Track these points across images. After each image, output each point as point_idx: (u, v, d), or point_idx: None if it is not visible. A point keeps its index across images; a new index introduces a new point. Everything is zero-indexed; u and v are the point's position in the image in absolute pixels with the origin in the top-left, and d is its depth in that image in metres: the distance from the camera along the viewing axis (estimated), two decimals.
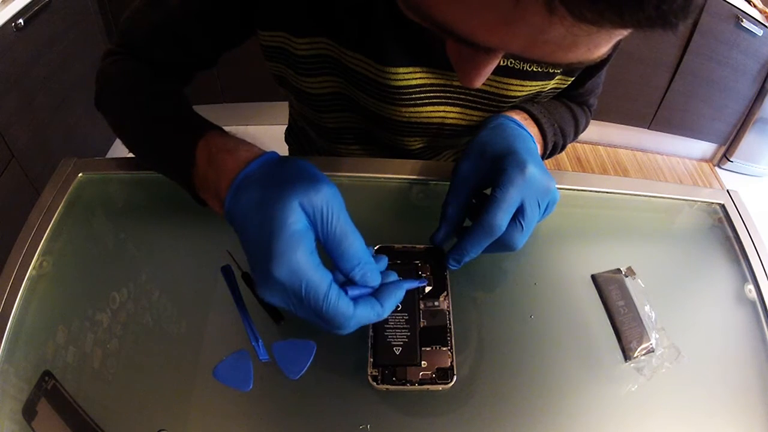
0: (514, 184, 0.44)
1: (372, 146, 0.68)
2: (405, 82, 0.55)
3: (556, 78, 0.58)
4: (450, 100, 0.58)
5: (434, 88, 0.56)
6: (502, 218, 0.44)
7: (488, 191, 0.46)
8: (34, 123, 1.42)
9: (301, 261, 0.36)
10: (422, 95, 0.57)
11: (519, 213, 0.45)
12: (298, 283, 0.36)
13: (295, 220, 0.37)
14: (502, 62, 0.53)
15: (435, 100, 0.58)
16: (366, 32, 0.52)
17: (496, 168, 0.46)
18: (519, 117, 0.56)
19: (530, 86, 0.56)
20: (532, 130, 0.56)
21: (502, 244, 0.46)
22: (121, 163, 0.64)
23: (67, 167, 0.61)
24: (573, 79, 0.60)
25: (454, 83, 0.56)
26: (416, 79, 0.55)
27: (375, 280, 0.41)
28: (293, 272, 0.36)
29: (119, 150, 1.90)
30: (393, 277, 0.43)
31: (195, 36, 0.57)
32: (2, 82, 1.28)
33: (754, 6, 1.72)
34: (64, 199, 0.58)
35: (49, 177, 0.61)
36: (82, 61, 1.61)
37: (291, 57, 0.56)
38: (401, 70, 0.54)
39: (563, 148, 0.66)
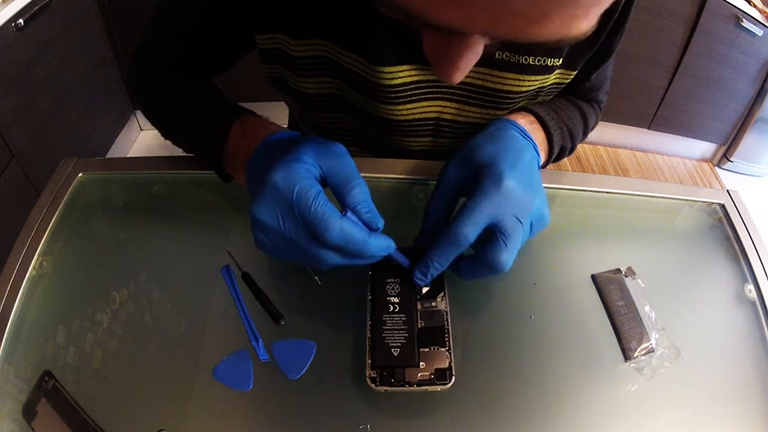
0: (486, 196, 0.43)
1: (371, 149, 0.68)
2: (398, 80, 0.54)
3: (557, 72, 0.57)
4: (445, 95, 0.58)
5: (427, 84, 0.56)
6: (469, 229, 0.43)
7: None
8: (34, 123, 1.42)
9: (298, 170, 0.41)
10: (416, 91, 0.56)
11: (498, 229, 0.44)
12: (291, 186, 0.40)
13: (302, 161, 0.42)
14: (496, 55, 0.53)
15: (430, 95, 0.57)
16: (359, 32, 0.52)
17: (475, 176, 0.45)
18: (525, 120, 0.55)
19: (529, 81, 0.55)
20: (538, 135, 0.55)
21: (487, 265, 0.45)
22: (121, 163, 0.64)
23: (67, 167, 0.61)
24: (576, 72, 0.58)
25: (434, 77, 0.56)
26: (408, 76, 0.55)
27: (378, 222, 0.44)
28: (288, 176, 0.41)
29: (119, 150, 1.90)
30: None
31: (201, 42, 0.59)
32: (2, 82, 1.28)
33: (754, 6, 1.72)
34: (64, 199, 0.58)
35: (49, 177, 0.61)
36: (82, 61, 1.61)
37: (288, 58, 0.56)
38: (393, 68, 0.53)
39: (572, 150, 0.64)
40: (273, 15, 0.54)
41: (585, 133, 0.67)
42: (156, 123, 0.63)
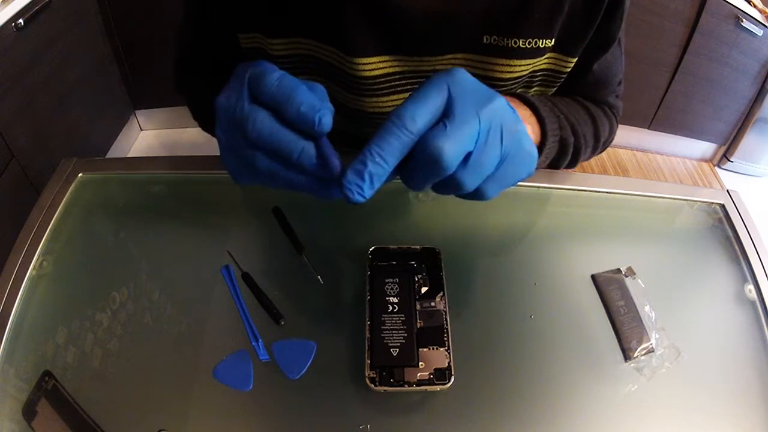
0: (434, 81, 0.35)
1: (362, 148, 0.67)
2: (377, 71, 0.54)
3: (549, 55, 0.55)
4: None
5: (411, 75, 0.56)
6: (414, 110, 0.33)
7: None
8: (34, 123, 1.42)
9: (239, 85, 0.36)
10: (400, 82, 0.56)
11: (445, 113, 0.34)
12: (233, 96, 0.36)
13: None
14: (484, 40, 0.52)
15: (416, 86, 0.57)
16: (333, 24, 0.51)
17: None
18: (512, 103, 0.47)
19: (519, 66, 0.54)
20: (523, 112, 0.49)
21: (424, 155, 0.34)
22: (121, 163, 0.64)
23: (67, 167, 0.61)
24: (575, 60, 0.56)
25: (425, 68, 0.55)
26: (388, 67, 0.54)
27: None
28: (232, 90, 0.36)
29: (119, 150, 1.90)
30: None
31: (206, 44, 0.61)
32: (2, 82, 1.28)
33: (754, 6, 1.72)
34: (64, 199, 0.58)
35: (49, 177, 0.61)
36: (82, 61, 1.61)
37: (268, 58, 0.56)
38: (370, 59, 0.53)
39: (577, 150, 0.57)
40: (249, 13, 0.54)
41: (597, 137, 0.61)
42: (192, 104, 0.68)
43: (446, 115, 0.34)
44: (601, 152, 0.64)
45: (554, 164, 0.59)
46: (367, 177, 0.33)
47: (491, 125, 0.35)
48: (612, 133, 0.66)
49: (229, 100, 0.36)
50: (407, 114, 0.33)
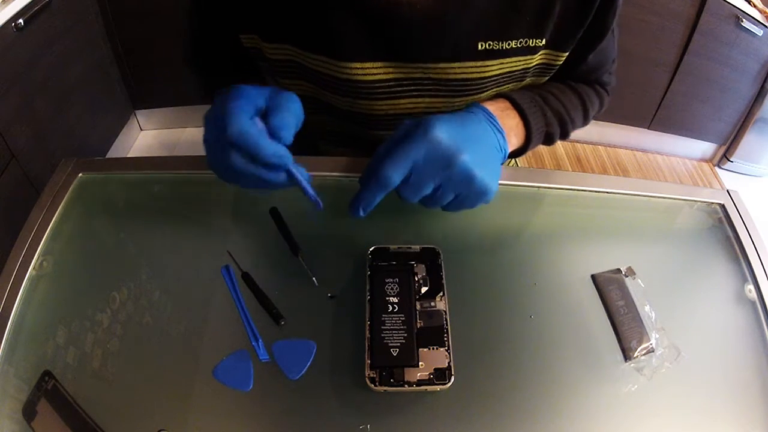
0: (408, 139, 0.44)
1: (362, 148, 0.67)
2: (372, 77, 0.54)
3: (542, 53, 0.55)
4: (431, 92, 0.57)
5: (409, 82, 0.56)
6: (390, 169, 0.44)
7: None
8: (34, 123, 1.42)
9: (239, 91, 0.43)
10: (397, 88, 0.56)
11: (410, 173, 0.45)
12: (226, 97, 0.43)
13: (251, 90, 0.45)
14: (480, 46, 0.53)
15: (414, 92, 0.57)
16: (325, 32, 0.52)
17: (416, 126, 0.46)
18: (495, 107, 0.54)
19: (510, 62, 0.54)
20: (509, 121, 0.55)
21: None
22: (121, 163, 0.64)
23: (67, 167, 0.62)
24: (566, 54, 0.56)
25: (418, 75, 0.55)
26: (384, 73, 0.55)
27: (283, 133, 0.44)
28: (229, 96, 0.43)
29: (119, 150, 1.90)
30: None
31: (216, 40, 0.62)
32: (2, 82, 1.28)
33: (754, 6, 1.72)
34: (64, 199, 0.58)
35: (49, 177, 0.61)
36: (82, 61, 1.61)
37: (267, 60, 0.57)
38: (364, 64, 0.53)
39: (564, 132, 0.63)
40: (247, 16, 0.55)
41: (586, 116, 0.65)
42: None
43: (411, 173, 0.45)
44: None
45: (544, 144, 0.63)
46: (360, 210, 0.47)
47: (442, 184, 0.45)
48: (602, 106, 0.69)
49: (214, 122, 0.44)
50: (387, 177, 0.44)
